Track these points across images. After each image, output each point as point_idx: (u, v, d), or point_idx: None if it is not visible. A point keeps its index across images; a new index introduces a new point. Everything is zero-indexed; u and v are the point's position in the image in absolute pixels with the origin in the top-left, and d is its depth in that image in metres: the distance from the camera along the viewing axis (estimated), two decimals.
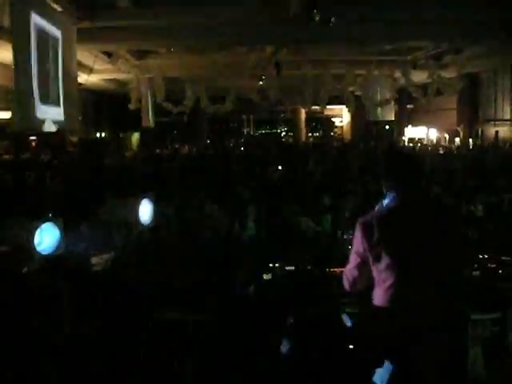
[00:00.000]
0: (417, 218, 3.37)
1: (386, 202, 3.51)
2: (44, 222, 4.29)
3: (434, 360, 3.26)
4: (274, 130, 42.60)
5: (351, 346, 3.52)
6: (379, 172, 3.65)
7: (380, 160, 3.60)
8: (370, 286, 3.48)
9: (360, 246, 3.40)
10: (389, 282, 3.31)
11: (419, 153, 21.68)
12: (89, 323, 4.74)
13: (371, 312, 3.41)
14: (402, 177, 3.42)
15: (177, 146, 28.44)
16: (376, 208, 3.63)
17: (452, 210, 4.04)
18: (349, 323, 3.64)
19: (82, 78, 18.97)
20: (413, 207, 3.40)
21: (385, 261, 3.30)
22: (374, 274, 3.39)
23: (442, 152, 22.35)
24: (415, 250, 3.30)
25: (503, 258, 4.92)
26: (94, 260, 5.23)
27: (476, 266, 4.74)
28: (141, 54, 20.02)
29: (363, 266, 3.43)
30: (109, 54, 18.20)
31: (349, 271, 3.57)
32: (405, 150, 5.14)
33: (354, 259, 3.50)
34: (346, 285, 3.63)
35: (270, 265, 4.81)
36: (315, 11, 12.22)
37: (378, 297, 3.40)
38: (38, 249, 4.30)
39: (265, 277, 4.64)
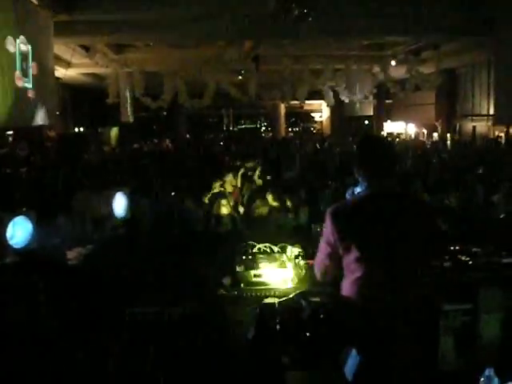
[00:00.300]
0: (387, 209, 3.29)
1: (357, 190, 3.51)
2: (16, 215, 4.27)
3: (402, 351, 3.24)
4: (254, 125, 42.57)
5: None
6: (353, 162, 3.54)
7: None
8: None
9: (330, 236, 3.35)
10: (357, 274, 3.28)
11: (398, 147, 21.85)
12: (63, 318, 4.73)
13: (339, 303, 3.41)
14: (374, 164, 3.35)
15: (155, 140, 28.32)
16: (347, 196, 3.62)
17: (422, 202, 3.98)
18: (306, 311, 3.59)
19: (60, 72, 18.84)
20: (383, 197, 3.33)
21: (354, 252, 3.26)
22: (344, 264, 3.35)
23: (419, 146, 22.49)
24: (384, 241, 3.25)
25: (474, 249, 4.98)
26: (68, 254, 5.21)
27: (447, 257, 4.80)
28: (119, 48, 19.91)
29: (334, 255, 3.38)
30: (87, 48, 18.07)
31: (320, 261, 3.53)
32: (380, 137, 5.17)
33: (324, 249, 3.45)
34: (318, 275, 3.59)
35: (243, 257, 4.82)
36: (293, 5, 12.22)
37: (346, 288, 3.38)
38: (11, 242, 4.29)
39: (238, 269, 4.66)
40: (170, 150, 22.60)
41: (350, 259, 3.30)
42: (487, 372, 2.97)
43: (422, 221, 3.40)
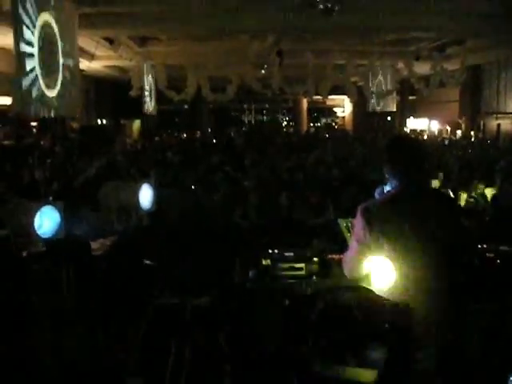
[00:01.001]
0: (417, 207, 3.30)
1: (387, 188, 3.48)
2: (44, 205, 4.30)
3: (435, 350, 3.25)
4: (275, 119, 42.54)
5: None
6: (381, 160, 3.53)
7: (381, 151, 3.52)
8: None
9: (361, 232, 3.33)
10: (388, 273, 3.27)
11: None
12: (89, 308, 4.76)
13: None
14: (404, 164, 3.34)
15: (178, 134, 28.42)
16: (376, 195, 3.61)
17: (451, 200, 3.96)
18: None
19: (84, 64, 18.94)
20: (414, 195, 3.33)
21: (385, 248, 3.25)
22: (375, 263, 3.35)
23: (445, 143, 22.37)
24: (418, 238, 3.23)
25: (502, 247, 4.92)
26: (94, 244, 5.24)
27: (475, 255, 4.75)
28: (143, 41, 19.95)
29: (363, 253, 3.37)
30: (110, 41, 18.14)
31: (349, 258, 3.53)
32: (409, 137, 5.13)
33: (354, 246, 3.44)
34: (346, 271, 3.59)
35: (269, 251, 4.81)
36: (318, 0, 12.18)
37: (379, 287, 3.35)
38: (39, 232, 4.32)
39: (264, 263, 4.65)
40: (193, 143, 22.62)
41: (382, 255, 3.29)
42: None
43: (454, 218, 3.43)
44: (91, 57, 19.07)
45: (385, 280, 3.33)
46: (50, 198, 4.52)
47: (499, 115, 24.19)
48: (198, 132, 27.03)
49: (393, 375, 2.99)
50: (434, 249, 3.25)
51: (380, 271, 3.37)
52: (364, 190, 7.99)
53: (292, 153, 15.63)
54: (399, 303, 3.15)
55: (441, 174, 9.56)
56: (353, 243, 3.47)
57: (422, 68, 21.82)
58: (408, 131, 30.14)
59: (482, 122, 25.86)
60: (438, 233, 3.27)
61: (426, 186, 3.59)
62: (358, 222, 3.35)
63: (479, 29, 16.12)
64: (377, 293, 3.31)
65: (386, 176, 3.44)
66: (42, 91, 11.24)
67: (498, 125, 23.81)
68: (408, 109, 31.85)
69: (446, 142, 23.36)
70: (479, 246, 4.90)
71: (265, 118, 42.28)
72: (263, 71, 21.64)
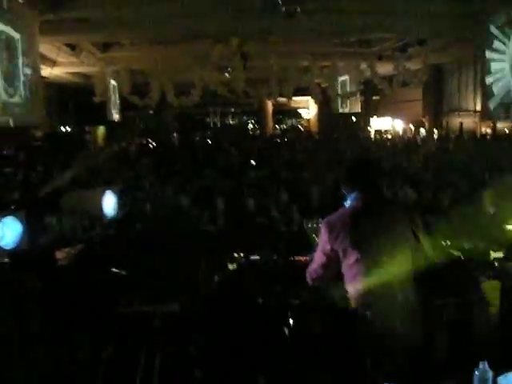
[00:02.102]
0: (374, 215, 3.75)
1: (347, 203, 3.87)
2: (5, 215, 4.22)
3: (400, 346, 3.50)
4: (240, 122, 42.52)
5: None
6: (341, 174, 4.10)
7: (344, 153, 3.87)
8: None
9: (326, 245, 3.72)
10: (358, 276, 3.63)
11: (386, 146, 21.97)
12: (53, 319, 4.70)
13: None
14: (362, 182, 3.83)
15: (143, 140, 28.18)
16: (339, 210, 3.93)
17: (401, 207, 4.56)
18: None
19: (46, 71, 18.70)
20: (370, 206, 3.77)
21: (352, 256, 3.64)
22: (344, 269, 3.71)
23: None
24: (375, 242, 3.64)
25: (465, 244, 5.00)
26: (59, 254, 5.17)
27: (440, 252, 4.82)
28: (105, 47, 19.79)
29: (328, 264, 3.77)
30: (72, 47, 17.94)
31: (313, 270, 3.90)
32: (365, 160, 5.32)
33: (319, 257, 3.83)
34: (310, 281, 3.95)
35: (235, 255, 4.81)
36: (280, 3, 12.21)
37: (352, 289, 3.71)
38: (1, 243, 4.23)
39: (230, 267, 4.65)
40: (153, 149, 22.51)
41: (349, 263, 3.67)
42: (481, 365, 2.98)
43: (402, 221, 3.89)
44: (53, 63, 18.83)
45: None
46: (12, 208, 4.41)
47: (461, 113, 24.51)
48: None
49: None
50: (391, 247, 3.66)
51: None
52: (329, 191, 8.06)
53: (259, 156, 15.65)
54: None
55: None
56: (317, 255, 3.85)
57: (385, 68, 22.03)
58: (372, 131, 30.37)
59: (445, 120, 26.17)
60: (392, 235, 3.73)
61: (381, 196, 4.11)
62: (323, 234, 3.77)
63: (439, 29, 16.31)
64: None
65: (345, 192, 3.91)
66: (3, 99, 11.07)
67: (461, 123, 24.11)
68: (372, 109, 32.10)
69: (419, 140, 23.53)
70: (443, 243, 4.98)
71: (230, 121, 42.24)
72: (227, 74, 21.63)
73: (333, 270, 3.76)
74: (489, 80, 15.30)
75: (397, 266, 3.55)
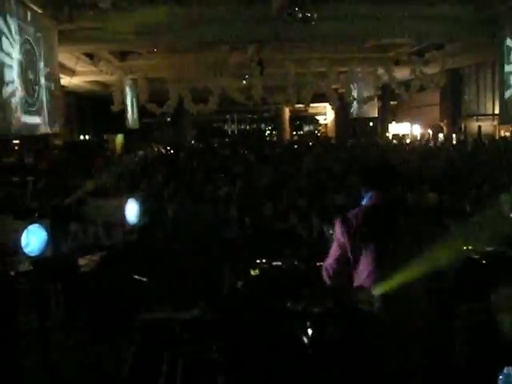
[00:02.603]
0: (386, 216, 3.88)
1: (363, 202, 4.01)
2: (30, 223, 4.27)
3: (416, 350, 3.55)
4: (258, 128, 42.58)
5: None
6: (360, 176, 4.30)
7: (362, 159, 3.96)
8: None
9: (341, 239, 3.85)
10: (366, 273, 3.75)
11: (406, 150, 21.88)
12: (76, 325, 4.74)
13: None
14: (377, 184, 3.96)
15: (161, 148, 28.29)
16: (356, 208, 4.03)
17: (414, 209, 4.76)
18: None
19: (65, 80, 18.87)
20: (384, 207, 3.90)
21: (363, 253, 3.76)
22: (354, 266, 3.81)
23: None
24: (386, 243, 3.77)
25: (487, 248, 4.97)
26: (82, 261, 5.22)
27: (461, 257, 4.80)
28: (123, 55, 19.94)
29: (343, 258, 3.86)
30: (91, 56, 18.11)
31: (329, 265, 3.97)
32: (382, 164, 5.40)
33: (334, 252, 3.94)
34: (326, 277, 4.01)
35: (257, 261, 4.82)
36: (296, 9, 12.24)
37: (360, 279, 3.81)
38: (25, 251, 4.28)
39: (252, 273, 4.66)
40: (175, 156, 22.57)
41: (359, 259, 3.79)
42: (506, 370, 2.96)
43: (413, 224, 3.95)
44: (72, 72, 19.00)
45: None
46: (36, 216, 4.47)
47: (479, 117, 24.37)
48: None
49: None
50: (396, 249, 3.77)
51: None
52: (350, 196, 8.05)
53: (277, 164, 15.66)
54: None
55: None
56: (333, 249, 3.97)
57: (402, 73, 21.97)
58: (390, 136, 30.28)
59: (463, 125, 26.03)
60: (402, 236, 3.83)
61: (394, 198, 4.11)
62: (337, 230, 3.91)
63: (457, 33, 16.26)
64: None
65: (362, 192, 4.04)
66: (23, 107, 11.20)
67: (479, 127, 23.97)
68: (389, 114, 32.01)
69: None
70: (464, 248, 4.96)
71: (248, 127, 42.30)
72: (244, 81, 21.68)
73: (348, 268, 3.85)
74: (507, 93, 15.23)
75: (406, 266, 3.59)
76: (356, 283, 3.81)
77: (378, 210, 3.90)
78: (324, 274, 4.01)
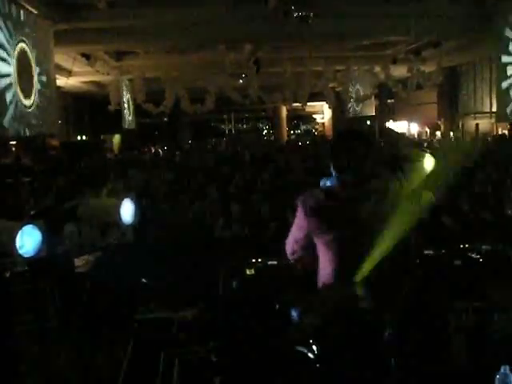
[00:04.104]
0: (348, 201, 3.39)
1: (327, 182, 3.59)
2: (25, 224, 4.25)
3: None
4: (255, 128, 42.55)
5: None
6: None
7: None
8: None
9: (300, 218, 3.53)
10: (329, 259, 3.45)
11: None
12: (72, 326, 4.72)
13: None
14: (343, 158, 3.42)
15: (157, 148, 28.26)
16: (320, 185, 3.68)
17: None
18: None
19: (62, 80, 18.86)
20: (347, 190, 3.41)
21: (323, 236, 3.44)
22: (318, 248, 3.52)
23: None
24: (346, 228, 3.37)
25: (484, 247, 4.96)
26: (77, 261, 5.20)
27: (458, 255, 4.79)
28: (119, 56, 19.94)
29: (300, 235, 3.59)
30: (87, 56, 18.08)
31: (289, 242, 3.72)
32: (352, 132, 4.73)
33: (293, 230, 3.65)
34: (288, 254, 3.77)
35: (253, 260, 4.81)
36: (292, 8, 12.24)
37: (323, 275, 3.52)
38: (20, 252, 4.27)
39: (248, 272, 4.65)
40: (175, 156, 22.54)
41: (320, 243, 3.49)
42: (503, 370, 2.95)
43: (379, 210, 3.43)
44: (68, 73, 18.99)
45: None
46: (31, 217, 4.45)
47: (477, 115, 24.37)
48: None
49: None
50: (361, 236, 3.34)
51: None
52: None
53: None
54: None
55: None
56: (293, 228, 3.66)
57: (399, 71, 21.96)
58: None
59: (460, 123, 26.02)
60: (364, 224, 3.36)
61: (362, 179, 3.45)
62: (298, 209, 3.55)
63: (454, 30, 16.26)
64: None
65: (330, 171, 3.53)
66: (20, 109, 11.18)
67: (477, 124, 23.97)
68: (387, 112, 32.01)
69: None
70: (461, 246, 4.94)
71: (245, 127, 42.28)
72: (241, 81, 21.67)
73: (308, 250, 3.57)
74: (504, 84, 15.19)
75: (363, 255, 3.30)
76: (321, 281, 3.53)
77: (341, 196, 3.42)
78: (287, 249, 3.76)
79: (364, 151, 3.45)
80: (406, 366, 3.38)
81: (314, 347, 3.28)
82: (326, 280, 3.46)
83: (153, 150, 26.28)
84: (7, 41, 10.59)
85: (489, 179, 9.71)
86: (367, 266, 3.29)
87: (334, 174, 3.46)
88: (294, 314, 3.65)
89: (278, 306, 4.33)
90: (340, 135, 3.96)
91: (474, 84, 24.81)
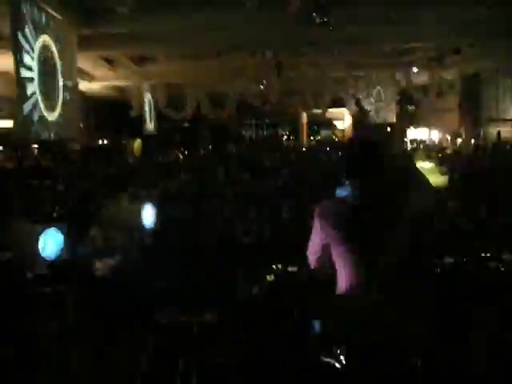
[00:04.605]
0: (368, 210, 3.37)
1: (343, 192, 3.58)
2: (47, 227, 4.31)
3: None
4: (275, 133, 42.54)
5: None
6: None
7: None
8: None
9: (317, 227, 3.49)
10: (347, 271, 3.39)
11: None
12: (92, 329, 4.75)
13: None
14: (358, 168, 3.43)
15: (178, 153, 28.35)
16: (336, 196, 3.68)
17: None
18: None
19: (84, 85, 19.02)
20: (365, 199, 3.39)
21: (340, 248, 3.39)
22: (335, 258, 3.47)
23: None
24: (362, 238, 3.34)
25: (504, 256, 4.93)
26: (98, 265, 5.24)
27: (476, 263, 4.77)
28: (141, 61, 20.06)
29: (317, 244, 3.54)
30: (109, 61, 18.23)
31: (309, 251, 3.68)
32: (365, 142, 4.63)
33: (312, 238, 3.60)
34: (311, 262, 3.72)
35: (273, 266, 4.81)
36: (315, 14, 12.23)
37: (340, 286, 3.47)
38: (43, 254, 4.32)
39: (268, 278, 4.65)
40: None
41: (338, 255, 3.43)
42: None
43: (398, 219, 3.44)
44: (90, 78, 19.15)
45: None
46: (54, 220, 4.51)
47: (499, 122, 24.18)
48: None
49: None
50: (381, 246, 3.33)
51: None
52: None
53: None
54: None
55: None
56: (312, 236, 3.60)
57: (420, 78, 21.88)
58: (408, 142, 30.14)
59: (482, 130, 25.83)
60: (384, 234, 3.35)
61: (380, 188, 3.45)
62: (314, 222, 3.51)
63: (476, 37, 16.17)
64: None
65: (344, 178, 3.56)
66: (43, 114, 11.29)
67: (498, 132, 23.79)
68: (407, 119, 31.87)
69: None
70: (482, 255, 4.91)
71: (265, 132, 42.28)
72: (262, 86, 21.72)
73: (325, 262, 3.54)
74: None
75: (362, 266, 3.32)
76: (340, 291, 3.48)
77: (360, 204, 3.39)
78: (309, 257, 3.72)
79: (377, 161, 3.44)
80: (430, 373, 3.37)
81: (342, 357, 3.27)
82: (345, 291, 3.42)
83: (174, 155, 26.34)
84: (31, 46, 10.70)
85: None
86: (384, 275, 3.29)
87: (347, 183, 3.47)
88: (316, 326, 3.65)
89: (296, 314, 4.33)
90: (354, 145, 3.78)
91: (496, 91, 24.62)
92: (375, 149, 3.49)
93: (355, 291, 3.35)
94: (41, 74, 11.12)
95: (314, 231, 3.55)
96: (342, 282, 3.43)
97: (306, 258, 3.79)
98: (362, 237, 3.34)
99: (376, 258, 3.31)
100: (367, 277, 3.31)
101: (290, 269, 4.79)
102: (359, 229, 3.34)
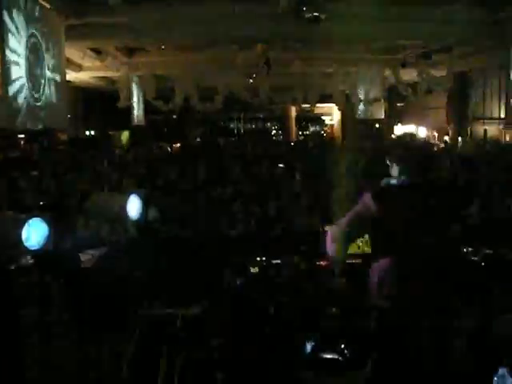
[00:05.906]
0: (409, 198, 3.89)
1: (391, 180, 4.02)
2: (31, 217, 4.27)
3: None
4: (263, 127, 42.52)
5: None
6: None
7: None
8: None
9: (363, 209, 3.84)
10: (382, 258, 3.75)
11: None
12: (76, 320, 4.74)
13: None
14: (404, 166, 3.98)
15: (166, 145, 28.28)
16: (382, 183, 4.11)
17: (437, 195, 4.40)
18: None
19: (71, 75, 18.90)
20: (409, 189, 3.90)
21: (380, 233, 3.83)
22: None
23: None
24: (405, 226, 3.77)
25: (487, 251, 4.96)
26: (83, 256, 5.22)
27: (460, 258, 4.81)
28: (130, 52, 19.97)
29: (355, 222, 3.85)
30: (98, 51, 18.13)
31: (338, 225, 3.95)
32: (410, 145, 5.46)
33: (350, 216, 3.90)
34: (329, 242, 3.96)
35: (257, 258, 4.83)
36: (304, 9, 12.22)
37: (374, 270, 3.84)
38: (26, 245, 4.29)
39: (252, 270, 4.66)
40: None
41: (376, 239, 3.98)
42: (501, 372, 2.96)
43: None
44: (78, 68, 19.03)
45: None
46: (38, 210, 4.47)
47: (486, 120, 24.29)
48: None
49: None
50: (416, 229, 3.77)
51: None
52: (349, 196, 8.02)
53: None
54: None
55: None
56: (350, 213, 3.92)
57: (409, 75, 21.93)
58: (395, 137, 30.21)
59: (469, 128, 25.94)
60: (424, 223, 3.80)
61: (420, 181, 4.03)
62: (365, 200, 3.86)
63: (465, 36, 16.22)
64: None
65: (392, 172, 4.04)
66: (29, 102, 11.20)
67: (485, 130, 23.90)
68: (396, 116, 31.95)
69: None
70: (464, 250, 4.95)
71: (254, 126, 42.22)
72: (251, 80, 21.69)
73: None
74: None
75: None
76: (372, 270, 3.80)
77: (404, 193, 3.94)
78: (328, 237, 3.98)
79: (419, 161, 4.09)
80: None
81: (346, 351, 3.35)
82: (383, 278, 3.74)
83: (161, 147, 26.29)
84: (20, 35, 10.62)
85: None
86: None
87: (394, 175, 3.98)
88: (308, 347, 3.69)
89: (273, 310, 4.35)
90: (404, 149, 4.41)
91: (484, 89, 24.73)
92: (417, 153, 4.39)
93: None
94: (28, 60, 11.03)
95: (358, 208, 3.88)
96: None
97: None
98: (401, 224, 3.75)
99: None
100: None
101: (273, 261, 4.80)
102: (401, 215, 3.77)
